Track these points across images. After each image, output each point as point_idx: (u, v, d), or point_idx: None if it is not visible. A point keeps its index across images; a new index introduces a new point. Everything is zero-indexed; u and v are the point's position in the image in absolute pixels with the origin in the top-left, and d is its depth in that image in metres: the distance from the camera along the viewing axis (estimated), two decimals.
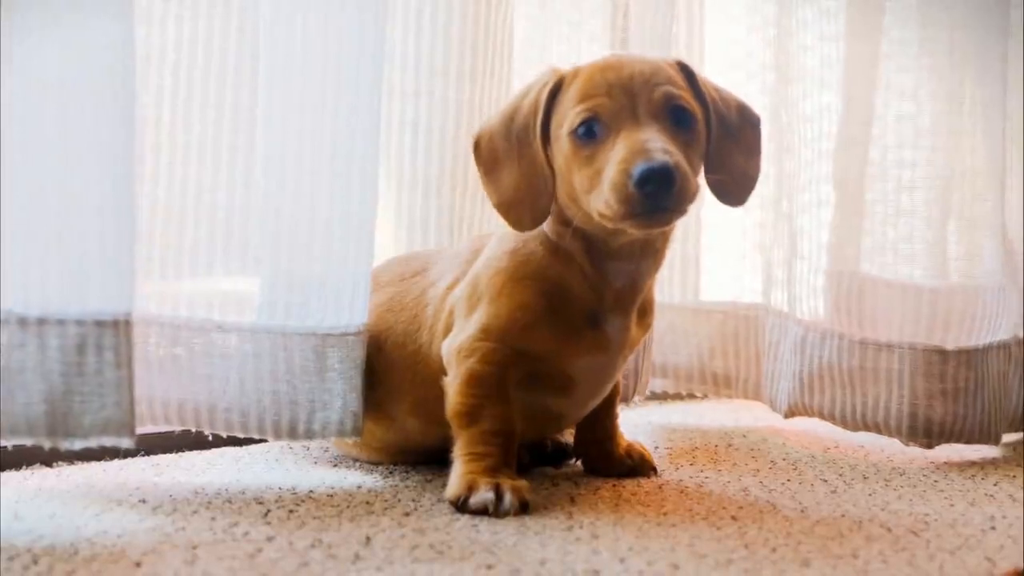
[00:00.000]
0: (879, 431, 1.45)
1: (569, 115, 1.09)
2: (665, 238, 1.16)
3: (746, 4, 1.63)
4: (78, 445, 1.02)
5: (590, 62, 1.12)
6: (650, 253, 1.15)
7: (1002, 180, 1.52)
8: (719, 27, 1.65)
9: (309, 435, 1.19)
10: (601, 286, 1.14)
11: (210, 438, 1.26)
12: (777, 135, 1.55)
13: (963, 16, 1.47)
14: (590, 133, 1.08)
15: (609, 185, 1.04)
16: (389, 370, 1.21)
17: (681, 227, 1.61)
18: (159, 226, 1.19)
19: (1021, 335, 1.54)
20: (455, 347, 1.15)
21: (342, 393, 1.18)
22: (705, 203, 1.64)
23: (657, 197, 1.02)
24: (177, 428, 1.20)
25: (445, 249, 1.32)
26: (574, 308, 1.14)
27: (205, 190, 1.19)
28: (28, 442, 1.01)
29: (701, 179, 1.12)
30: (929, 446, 1.44)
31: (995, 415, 1.46)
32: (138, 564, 0.90)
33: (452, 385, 1.14)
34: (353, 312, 1.19)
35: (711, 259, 1.69)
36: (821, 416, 1.49)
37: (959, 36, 1.47)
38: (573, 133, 1.08)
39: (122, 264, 1.03)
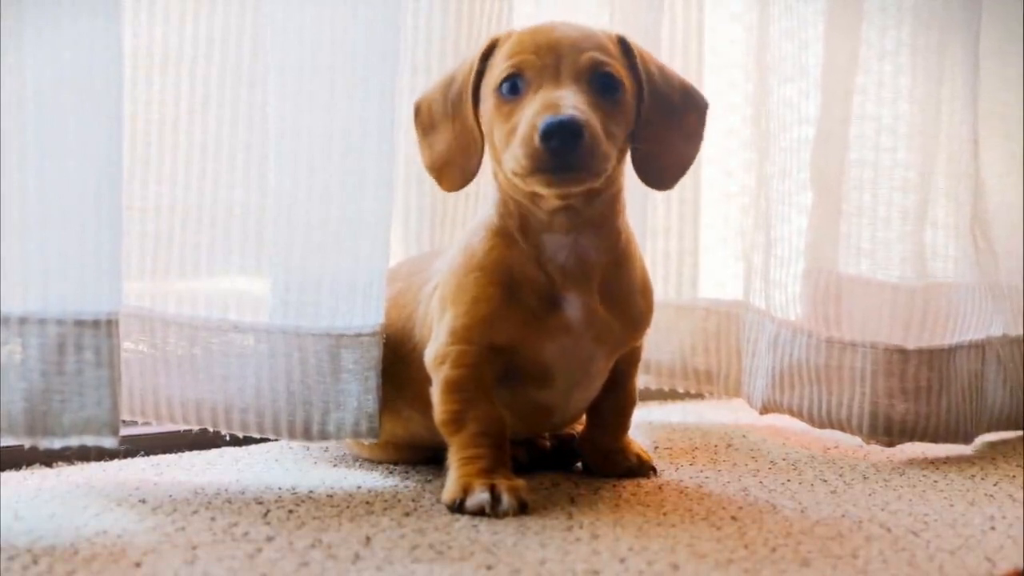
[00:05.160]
0: (843, 429, 1.46)
1: (495, 72, 1.11)
2: (600, 210, 1.14)
3: (743, 5, 1.63)
4: (58, 444, 1.02)
5: (527, 25, 1.14)
6: (586, 226, 1.14)
7: (975, 179, 1.52)
8: (719, 27, 1.65)
9: (324, 436, 1.19)
10: (544, 262, 1.14)
11: (211, 434, 1.26)
12: (760, 138, 1.55)
13: (943, 18, 1.47)
14: (514, 89, 1.09)
15: (519, 140, 1.05)
16: (394, 364, 1.21)
17: (669, 224, 1.63)
18: (178, 226, 1.20)
19: (1015, 334, 1.54)
20: (431, 355, 1.15)
21: (357, 394, 1.19)
22: (703, 201, 1.66)
23: (562, 153, 1.02)
24: (195, 427, 1.21)
25: (447, 247, 1.32)
26: (527, 291, 1.13)
27: (222, 188, 1.20)
28: (8, 440, 1.02)
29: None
30: (890, 444, 1.44)
31: (965, 415, 1.46)
32: (138, 564, 0.90)
33: (435, 394, 1.15)
34: (367, 312, 1.19)
35: (698, 257, 1.68)
36: (791, 413, 1.49)
37: (935, 39, 1.47)
38: (497, 89, 1.10)
39: (104, 264, 1.04)
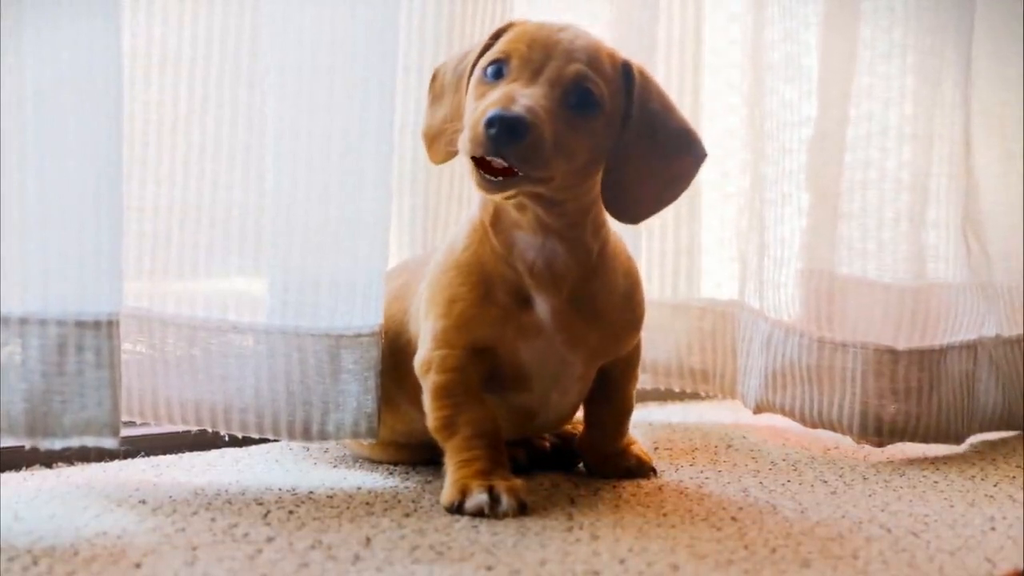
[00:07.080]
0: (833, 429, 1.46)
1: (489, 53, 1.11)
2: (566, 221, 1.12)
3: (742, 5, 1.63)
4: (58, 445, 1.02)
5: (542, 19, 1.14)
6: (552, 232, 1.12)
7: (966, 180, 1.52)
8: (719, 27, 1.65)
9: (323, 436, 1.20)
10: (513, 259, 1.13)
11: (211, 435, 1.26)
12: (755, 139, 1.55)
13: (937, 21, 1.47)
14: (497, 73, 1.09)
15: (471, 121, 1.05)
16: (393, 356, 1.22)
17: (665, 224, 1.63)
18: (176, 226, 1.20)
19: (1008, 335, 1.55)
20: (418, 362, 1.15)
21: (356, 394, 1.19)
22: (702, 202, 1.66)
23: (498, 143, 1.02)
24: (195, 428, 1.21)
25: None
26: (499, 288, 1.13)
27: (220, 188, 1.20)
28: (8, 441, 1.03)
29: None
30: (880, 444, 1.45)
31: (956, 415, 1.47)
32: (138, 565, 0.90)
33: (425, 402, 1.15)
34: (366, 313, 1.19)
35: (694, 257, 1.68)
36: (783, 413, 1.50)
37: (930, 41, 1.47)
38: (483, 69, 1.10)
39: (104, 265, 1.03)
